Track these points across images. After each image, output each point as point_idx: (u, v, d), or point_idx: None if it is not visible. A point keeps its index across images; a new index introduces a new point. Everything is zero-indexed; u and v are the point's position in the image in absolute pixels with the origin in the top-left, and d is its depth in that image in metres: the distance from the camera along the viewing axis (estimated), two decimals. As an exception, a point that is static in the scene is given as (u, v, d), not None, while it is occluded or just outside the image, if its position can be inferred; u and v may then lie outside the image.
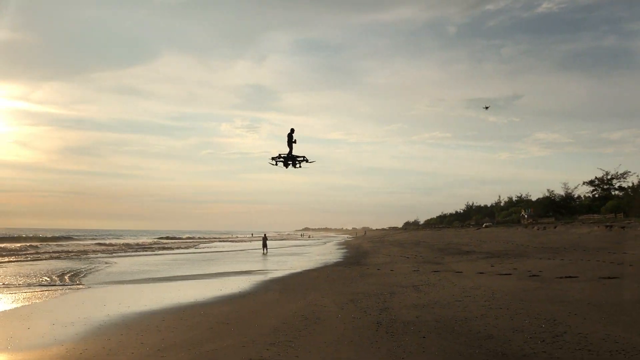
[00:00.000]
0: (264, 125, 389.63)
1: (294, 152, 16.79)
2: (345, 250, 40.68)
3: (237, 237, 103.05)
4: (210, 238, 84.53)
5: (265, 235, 40.41)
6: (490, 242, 33.97)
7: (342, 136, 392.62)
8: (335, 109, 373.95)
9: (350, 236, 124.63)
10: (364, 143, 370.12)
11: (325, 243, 68.72)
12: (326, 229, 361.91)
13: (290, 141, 17.31)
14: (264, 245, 38.83)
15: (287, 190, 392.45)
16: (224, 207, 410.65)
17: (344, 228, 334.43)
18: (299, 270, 21.12)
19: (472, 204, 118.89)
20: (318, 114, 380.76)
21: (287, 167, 17.29)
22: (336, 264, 23.82)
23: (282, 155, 17.23)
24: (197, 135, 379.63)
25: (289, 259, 30.01)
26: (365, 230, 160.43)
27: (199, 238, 78.96)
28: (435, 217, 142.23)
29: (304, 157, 17.36)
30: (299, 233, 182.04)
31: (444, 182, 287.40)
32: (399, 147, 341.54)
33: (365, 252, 35.56)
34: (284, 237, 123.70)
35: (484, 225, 69.27)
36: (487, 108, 60.81)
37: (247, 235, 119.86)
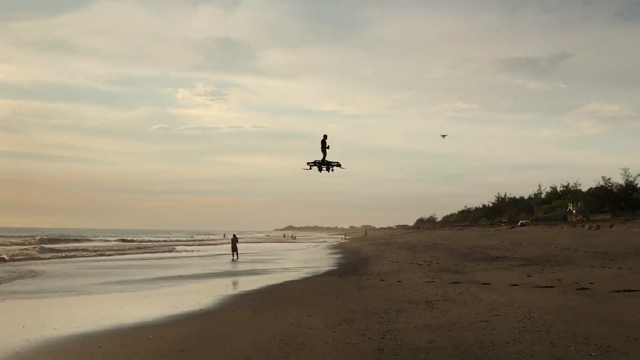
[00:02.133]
0: (235, 92, 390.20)
1: (327, 158, 23.28)
2: (339, 256, 40.82)
3: (204, 239, 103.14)
4: (166, 241, 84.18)
5: (235, 236, 40.45)
6: (527, 245, 34.27)
7: (337, 107, 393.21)
8: (329, 71, 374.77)
9: (347, 237, 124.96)
10: (365, 116, 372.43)
11: (314, 246, 69.00)
12: (315, 228, 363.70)
13: (324, 147, 23.62)
14: (234, 250, 38.93)
15: (265, 177, 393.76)
16: (184, 200, 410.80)
17: (339, 227, 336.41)
18: (279, 281, 21.10)
19: (505, 195, 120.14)
20: (305, 78, 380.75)
21: (321, 171, 23.78)
22: (328, 274, 23.95)
23: (317, 161, 23.71)
24: (147, 104, 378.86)
25: (266, 267, 30.11)
26: (367, 229, 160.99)
27: (149, 241, 78.62)
28: (456, 212, 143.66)
29: (337, 162, 23.95)
30: (281, 233, 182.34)
31: (468, 168, 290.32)
32: (411, 122, 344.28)
33: (365, 257, 35.72)
34: (262, 238, 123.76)
35: (519, 224, 69.94)
36: (444, 136, 58.49)
37: (217, 237, 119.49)
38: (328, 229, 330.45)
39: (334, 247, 62.56)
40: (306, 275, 23.49)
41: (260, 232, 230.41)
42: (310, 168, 24.26)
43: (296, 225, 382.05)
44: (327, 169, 24.39)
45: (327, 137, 23.99)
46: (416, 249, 40.62)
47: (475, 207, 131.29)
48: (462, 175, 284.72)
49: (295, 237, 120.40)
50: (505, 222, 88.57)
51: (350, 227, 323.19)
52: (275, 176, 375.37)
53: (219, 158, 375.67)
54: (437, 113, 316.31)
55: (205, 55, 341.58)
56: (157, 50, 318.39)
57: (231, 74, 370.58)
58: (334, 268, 27.75)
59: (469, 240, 47.30)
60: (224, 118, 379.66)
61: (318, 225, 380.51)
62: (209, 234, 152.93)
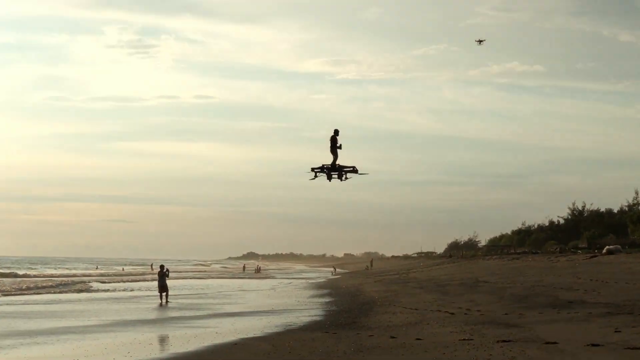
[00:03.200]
0: (167, 43, 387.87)
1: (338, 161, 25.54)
2: (327, 299, 40.78)
3: (120, 272, 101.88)
4: (70, 276, 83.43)
5: (164, 269, 40.24)
6: (616, 284, 34.39)
7: (327, 67, 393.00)
8: (314, 12, 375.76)
9: (339, 271, 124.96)
10: (369, 82, 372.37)
11: (289, 284, 68.90)
12: (291, 257, 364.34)
13: (335, 146, 25.83)
14: (162, 289, 38.77)
15: (213, 176, 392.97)
16: (85, 211, 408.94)
17: (328, 255, 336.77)
18: (232, 338, 21.08)
19: (583, 207, 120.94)
20: (277, 21, 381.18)
21: (330, 180, 26.28)
22: (309, 327, 23.96)
23: (325, 166, 25.94)
24: (28, 61, 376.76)
25: (213, 315, 30.02)
26: (371, 259, 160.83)
27: (35, 276, 76.92)
28: (509, 233, 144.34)
29: (353, 167, 26.38)
30: (239, 264, 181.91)
31: (528, 164, 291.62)
32: (441, 93, 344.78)
33: (368, 302, 35.72)
34: (208, 271, 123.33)
35: (604, 250, 70.21)
36: (480, 42, 59.00)
37: (140, 270, 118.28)
38: (311, 258, 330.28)
39: (319, 285, 62.53)
40: (275, 330, 23.47)
41: (206, 263, 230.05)
42: (316, 176, 26.51)
43: (262, 252, 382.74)
44: (339, 177, 26.69)
45: (339, 134, 26.13)
46: (447, 289, 40.65)
47: (539, 225, 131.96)
48: (519, 175, 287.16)
49: (260, 269, 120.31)
50: (584, 248, 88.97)
51: (345, 254, 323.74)
52: (230, 175, 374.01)
53: (141, 145, 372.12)
54: (480, 79, 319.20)
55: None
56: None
57: (161, 14, 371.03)
58: (318, 318, 27.70)
59: (527, 275, 47.43)
60: (150, 83, 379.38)
61: (295, 252, 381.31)
62: (126, 265, 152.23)
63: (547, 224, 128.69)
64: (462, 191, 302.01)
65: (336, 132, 26.31)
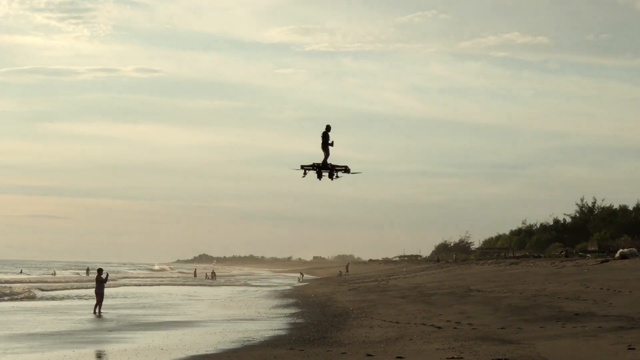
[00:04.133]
0: (104, 7, 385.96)
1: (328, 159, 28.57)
2: (294, 309, 41.09)
3: (45, 278, 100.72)
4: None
5: (102, 273, 40.00)
6: (630, 294, 34.65)
7: (295, 36, 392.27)
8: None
9: (310, 277, 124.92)
10: (345, 54, 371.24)
11: (248, 291, 68.83)
12: (252, 261, 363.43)
13: (326, 143, 28.62)
14: (99, 296, 38.57)
15: (160, 164, 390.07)
16: (11, 205, 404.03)
17: (295, 258, 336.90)
18: (179, 356, 21.16)
19: (594, 203, 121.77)
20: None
21: (320, 179, 29.25)
22: (271, 343, 24.02)
23: (316, 164, 28.81)
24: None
25: (158, 327, 30.03)
26: (347, 263, 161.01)
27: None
28: (507, 233, 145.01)
29: (345, 166, 29.53)
30: (190, 268, 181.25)
31: (529, 152, 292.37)
32: (429, 68, 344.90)
33: (340, 313, 35.87)
34: (153, 277, 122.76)
35: (617, 254, 70.76)
36: None
37: (72, 275, 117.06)
38: (275, 262, 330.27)
39: (283, 294, 62.59)
40: (231, 346, 23.51)
41: (151, 266, 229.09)
42: (305, 174, 29.54)
43: (216, 255, 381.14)
44: (330, 176, 29.62)
45: (331, 130, 28.86)
46: (433, 298, 40.80)
47: (541, 225, 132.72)
48: (519, 166, 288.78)
49: (213, 275, 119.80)
50: (594, 251, 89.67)
51: (315, 258, 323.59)
52: (179, 163, 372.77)
53: (72, 127, 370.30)
54: (474, 52, 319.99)
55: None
56: None
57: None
58: (282, 332, 27.75)
59: (528, 283, 47.70)
60: (84, 53, 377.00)
61: (256, 255, 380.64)
62: (57, 269, 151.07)
63: (551, 223, 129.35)
64: (453, 184, 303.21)
65: (328, 127, 28.84)
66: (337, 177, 29.62)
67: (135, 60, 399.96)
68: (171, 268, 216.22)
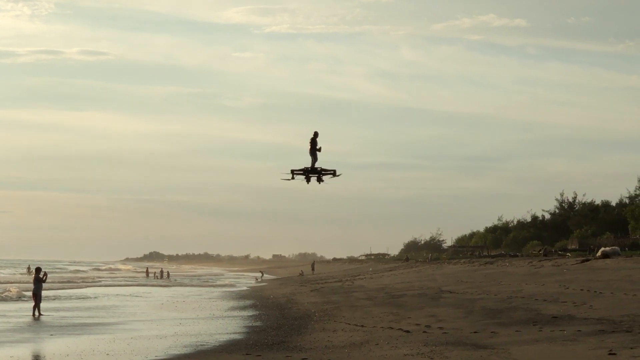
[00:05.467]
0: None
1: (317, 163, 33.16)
2: (252, 312, 41.25)
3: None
4: None
5: (40, 273, 39.73)
6: (612, 295, 34.94)
7: (254, 17, 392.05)
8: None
9: (269, 277, 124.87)
10: (308, 36, 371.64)
11: (202, 292, 68.87)
12: (206, 259, 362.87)
13: (315, 148, 32.83)
14: (37, 297, 38.31)
15: (105, 155, 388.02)
16: None
17: (253, 257, 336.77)
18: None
19: (575, 199, 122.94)
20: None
21: (309, 182, 33.58)
22: (225, 348, 24.05)
23: (306, 169, 33.20)
24: None
25: (103, 331, 29.95)
26: (314, 262, 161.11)
27: None
28: (482, 230, 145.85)
29: (333, 170, 33.77)
30: (141, 267, 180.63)
31: (507, 144, 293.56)
32: (398, 51, 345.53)
33: (302, 315, 36.05)
34: (99, 277, 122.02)
35: (599, 253, 71.27)
36: None
37: (14, 272, 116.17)
38: (231, 260, 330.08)
39: (240, 295, 62.65)
40: (183, 351, 23.55)
41: (95, 265, 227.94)
42: (293, 177, 33.71)
43: (168, 252, 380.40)
44: (318, 179, 33.76)
45: (318, 136, 32.90)
46: (402, 300, 40.94)
47: (519, 222, 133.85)
48: (495, 158, 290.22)
49: (164, 274, 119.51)
50: (574, 249, 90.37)
51: (274, 256, 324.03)
52: (129, 154, 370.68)
53: (11, 114, 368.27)
54: (447, 35, 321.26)
55: None
56: None
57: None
58: (238, 336, 27.81)
59: (503, 284, 48.00)
60: (24, 34, 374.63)
61: (211, 252, 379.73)
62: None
63: (529, 219, 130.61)
64: (424, 178, 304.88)
65: (316, 134, 33.05)
66: (323, 181, 33.87)
67: (80, 42, 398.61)
68: (120, 267, 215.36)
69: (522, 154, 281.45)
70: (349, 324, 29.78)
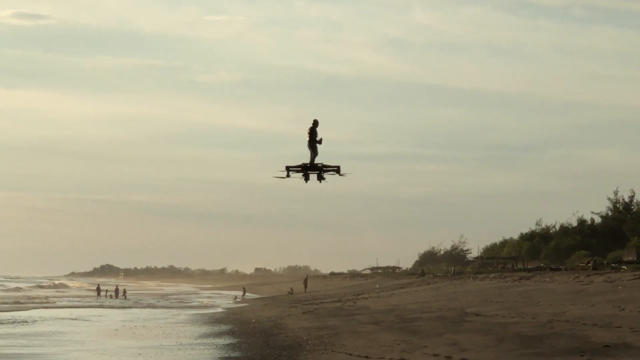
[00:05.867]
0: None
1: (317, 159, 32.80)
2: (229, 339, 41.48)
3: None
4: None
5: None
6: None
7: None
8: None
9: (251, 296, 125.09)
10: None
11: (167, 315, 69.13)
12: (174, 274, 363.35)
13: (314, 140, 32.89)
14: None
15: (47, 142, 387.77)
16: None
17: (231, 271, 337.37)
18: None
19: (632, 197, 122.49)
20: None
21: (307, 181, 33.75)
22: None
23: (304, 165, 33.30)
24: None
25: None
26: (306, 278, 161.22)
27: None
28: (515, 238, 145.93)
29: (337, 167, 33.82)
30: (91, 285, 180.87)
31: (548, 129, 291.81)
32: (410, 14, 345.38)
33: (292, 344, 36.20)
34: (38, 297, 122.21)
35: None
36: None
37: None
38: (204, 275, 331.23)
39: (215, 318, 62.94)
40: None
41: (36, 282, 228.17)
42: (288, 175, 33.75)
43: (125, 266, 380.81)
44: (319, 178, 33.79)
45: (318, 125, 32.93)
46: (416, 325, 40.96)
47: (562, 227, 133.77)
48: (533, 147, 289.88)
49: (125, 292, 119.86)
50: (632, 261, 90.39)
51: (257, 270, 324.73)
52: (74, 142, 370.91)
53: None
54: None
55: None
56: None
57: None
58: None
59: (542, 305, 48.08)
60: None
61: (178, 266, 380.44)
62: None
63: (574, 224, 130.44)
64: (442, 171, 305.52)
65: (315, 123, 32.93)
66: (324, 179, 33.89)
67: (14, 3, 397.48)
68: (67, 283, 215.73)
69: (565, 142, 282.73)
70: (351, 354, 29.84)
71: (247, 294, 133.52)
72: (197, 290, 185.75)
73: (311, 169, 33.41)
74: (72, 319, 62.97)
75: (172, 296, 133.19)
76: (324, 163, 33.54)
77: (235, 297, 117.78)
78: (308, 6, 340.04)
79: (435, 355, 27.81)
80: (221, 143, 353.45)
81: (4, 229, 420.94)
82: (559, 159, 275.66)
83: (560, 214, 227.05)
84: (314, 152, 33.06)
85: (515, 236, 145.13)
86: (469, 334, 34.71)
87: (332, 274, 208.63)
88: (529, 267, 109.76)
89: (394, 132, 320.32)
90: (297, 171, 33.62)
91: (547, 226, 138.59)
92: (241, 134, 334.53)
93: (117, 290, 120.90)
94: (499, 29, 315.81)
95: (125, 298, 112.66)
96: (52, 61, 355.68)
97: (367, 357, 28.74)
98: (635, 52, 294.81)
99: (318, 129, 33.03)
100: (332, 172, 33.81)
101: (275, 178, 34.40)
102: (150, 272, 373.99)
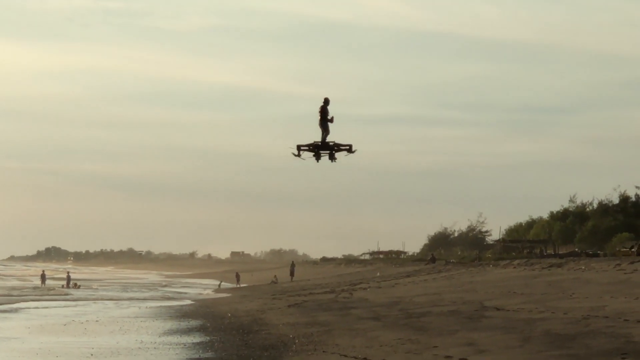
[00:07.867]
0: None
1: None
2: (200, 337, 41.83)
3: None
4: None
5: None
6: None
7: None
8: None
9: (227, 285, 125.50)
10: None
11: (127, 307, 69.60)
12: (133, 258, 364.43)
13: (325, 119, 36.84)
14: None
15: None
16: None
17: (202, 255, 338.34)
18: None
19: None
20: None
21: (318, 160, 37.66)
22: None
23: (315, 144, 37.12)
24: None
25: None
26: (293, 264, 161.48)
27: None
28: (544, 217, 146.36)
29: (349, 145, 37.72)
30: (35, 272, 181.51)
31: (584, 89, 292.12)
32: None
33: (275, 343, 36.39)
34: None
35: None
36: None
37: None
38: (169, 260, 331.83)
39: (182, 311, 63.50)
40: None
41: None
42: (300, 154, 37.58)
43: (75, 249, 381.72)
44: (330, 157, 37.81)
45: (329, 104, 36.86)
46: (425, 321, 41.18)
47: (601, 203, 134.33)
48: (561, 108, 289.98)
49: (77, 283, 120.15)
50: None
51: (233, 254, 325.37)
52: (14, 100, 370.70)
53: None
54: None
55: None
56: None
57: None
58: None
59: (577, 297, 48.23)
60: None
61: (139, 249, 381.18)
62: None
63: (615, 200, 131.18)
64: (459, 137, 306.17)
65: (326, 101, 36.83)
66: (335, 159, 37.94)
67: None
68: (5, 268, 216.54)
69: (603, 103, 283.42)
70: (346, 355, 29.94)
71: (222, 283, 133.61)
72: (161, 278, 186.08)
73: (322, 148, 37.43)
74: (8, 311, 63.11)
75: (131, 285, 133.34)
76: (335, 142, 37.44)
77: (220, 284, 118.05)
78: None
79: (447, 357, 27.95)
80: (191, 102, 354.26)
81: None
82: (598, 123, 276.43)
83: (599, 188, 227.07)
84: (325, 131, 37.07)
85: (545, 215, 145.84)
86: (488, 331, 34.88)
87: (324, 259, 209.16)
88: (560, 252, 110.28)
89: (401, 90, 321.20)
90: (308, 150, 37.45)
91: (582, 203, 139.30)
92: (215, 91, 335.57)
93: (68, 278, 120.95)
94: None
95: (76, 287, 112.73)
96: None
97: (365, 358, 28.82)
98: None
99: (329, 108, 36.77)
100: (344, 151, 37.74)
101: (292, 155, 37.84)
102: (105, 256, 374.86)
